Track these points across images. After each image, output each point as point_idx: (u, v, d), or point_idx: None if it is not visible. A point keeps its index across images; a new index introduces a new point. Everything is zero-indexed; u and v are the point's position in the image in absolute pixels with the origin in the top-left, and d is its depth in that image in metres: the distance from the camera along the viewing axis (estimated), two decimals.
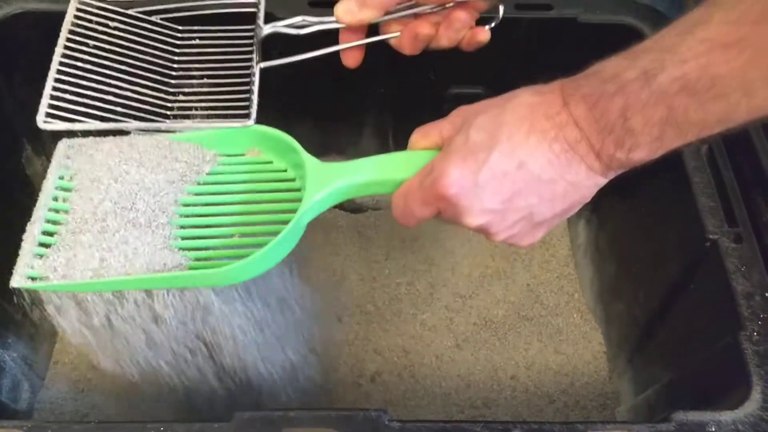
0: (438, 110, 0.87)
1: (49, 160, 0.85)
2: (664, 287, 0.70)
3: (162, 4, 0.64)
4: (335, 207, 0.78)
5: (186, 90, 0.61)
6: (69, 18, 0.61)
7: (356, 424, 0.50)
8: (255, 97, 0.57)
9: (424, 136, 0.51)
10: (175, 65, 0.62)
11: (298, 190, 0.55)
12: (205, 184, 0.56)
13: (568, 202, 0.46)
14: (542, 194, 0.45)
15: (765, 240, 0.60)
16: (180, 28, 0.64)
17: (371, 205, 0.96)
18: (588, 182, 0.45)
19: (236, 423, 0.50)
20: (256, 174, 0.57)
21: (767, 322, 0.55)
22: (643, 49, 0.41)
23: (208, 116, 0.59)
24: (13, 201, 0.79)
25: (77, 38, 0.60)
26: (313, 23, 0.58)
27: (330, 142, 0.91)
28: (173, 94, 0.60)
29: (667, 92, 0.39)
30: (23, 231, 0.80)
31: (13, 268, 0.52)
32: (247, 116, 0.56)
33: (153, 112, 0.58)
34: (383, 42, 0.79)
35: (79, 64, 0.58)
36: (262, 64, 0.58)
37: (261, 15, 0.60)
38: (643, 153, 0.42)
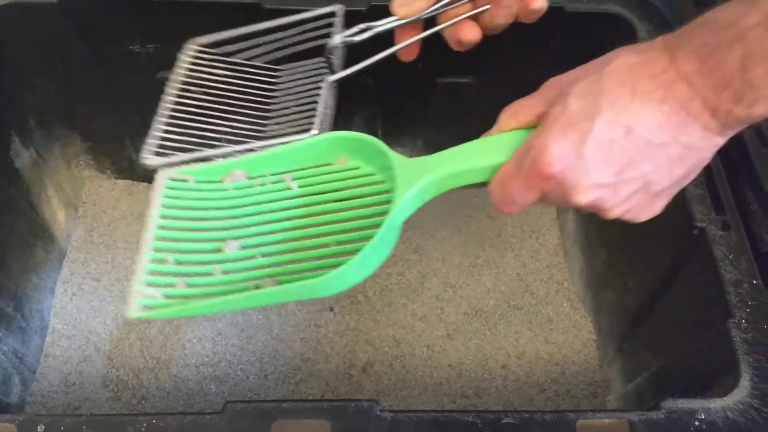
0: (427, 101, 0.87)
1: (37, 152, 0.85)
2: (653, 275, 0.71)
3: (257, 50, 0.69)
4: None
5: (273, 114, 0.65)
6: (183, 66, 0.67)
7: (348, 414, 0.51)
8: (320, 109, 0.59)
9: (513, 116, 0.46)
10: (268, 98, 0.66)
11: (389, 191, 0.52)
12: (296, 197, 0.55)
13: (686, 166, 0.42)
14: (656, 160, 0.41)
15: (753, 227, 0.60)
16: (277, 67, 0.68)
17: None
18: (704, 143, 0.41)
19: (228, 414, 0.50)
20: (345, 181, 0.55)
21: (756, 310, 0.56)
22: None
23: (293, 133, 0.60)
24: (3, 194, 0.79)
25: (187, 82, 0.66)
26: (374, 26, 0.59)
27: None
28: (265, 119, 0.64)
29: None
30: (12, 224, 0.80)
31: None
32: (307, 129, 0.58)
33: (247, 137, 0.61)
34: (370, 34, 0.79)
35: (185, 107, 0.64)
36: (331, 78, 0.60)
37: (338, 27, 0.63)
38: (766, 107, 0.38)
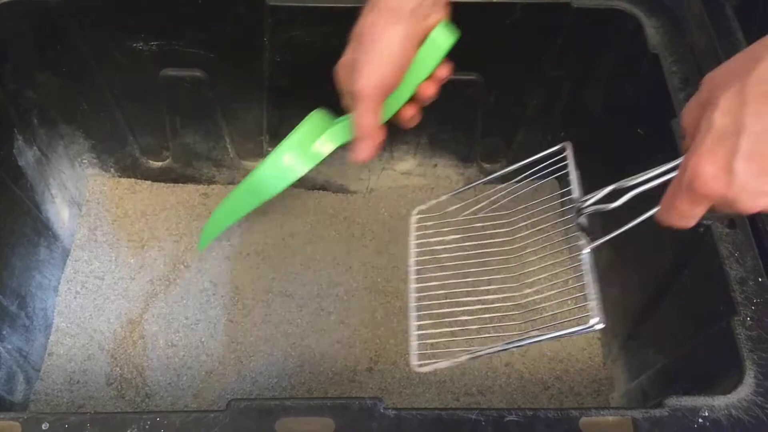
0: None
1: (41, 151, 0.86)
2: (658, 273, 0.71)
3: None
4: (320, 189, 0.93)
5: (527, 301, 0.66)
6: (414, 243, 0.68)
7: (352, 412, 0.51)
8: (591, 291, 0.54)
9: (685, 117, 0.47)
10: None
11: None
12: None
13: None
14: None
15: (758, 225, 0.60)
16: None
17: (363, 190, 0.96)
18: None
19: (232, 412, 0.50)
20: None
21: (760, 307, 0.56)
22: None
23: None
24: (7, 192, 0.79)
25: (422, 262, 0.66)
26: (626, 188, 0.53)
27: None
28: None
29: None
30: (15, 222, 0.80)
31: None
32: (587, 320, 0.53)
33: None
34: None
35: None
36: (590, 246, 0.56)
37: (576, 196, 0.59)
38: None
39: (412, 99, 0.63)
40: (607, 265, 0.82)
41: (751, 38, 0.68)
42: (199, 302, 0.86)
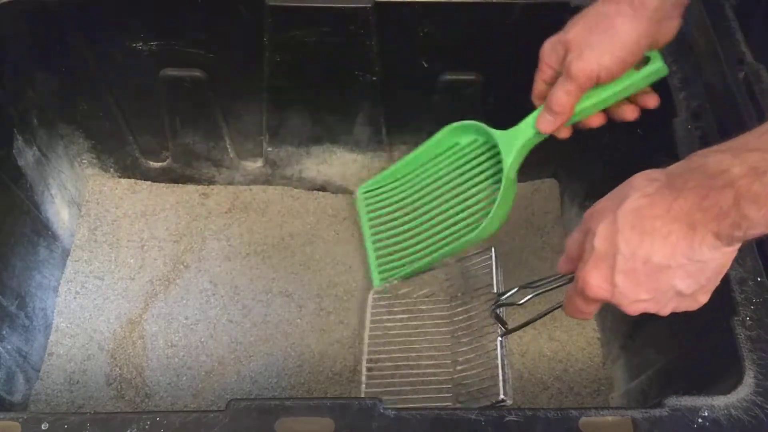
0: (430, 97, 0.87)
1: (40, 151, 0.86)
2: None
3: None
4: (320, 190, 0.96)
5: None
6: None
7: (351, 412, 0.51)
8: (500, 372, 0.68)
9: (569, 243, 0.57)
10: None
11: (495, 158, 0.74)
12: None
13: (707, 274, 0.50)
14: (679, 276, 0.49)
15: None
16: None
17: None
18: (715, 256, 0.48)
19: (232, 412, 0.50)
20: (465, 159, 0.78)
21: (760, 307, 0.56)
22: (745, 146, 0.45)
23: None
24: (6, 192, 0.79)
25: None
26: (537, 287, 0.64)
27: (323, 131, 0.91)
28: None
29: None
30: (15, 223, 0.80)
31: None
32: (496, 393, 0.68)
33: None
34: (375, 30, 0.79)
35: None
36: (501, 335, 0.69)
37: (495, 289, 0.74)
38: (760, 230, 0.45)
39: (604, 110, 0.66)
40: None
41: (751, 38, 0.68)
42: (198, 302, 0.86)
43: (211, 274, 0.88)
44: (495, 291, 0.72)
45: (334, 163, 0.95)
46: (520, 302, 0.65)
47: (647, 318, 0.73)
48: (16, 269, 0.78)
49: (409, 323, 0.80)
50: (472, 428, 0.50)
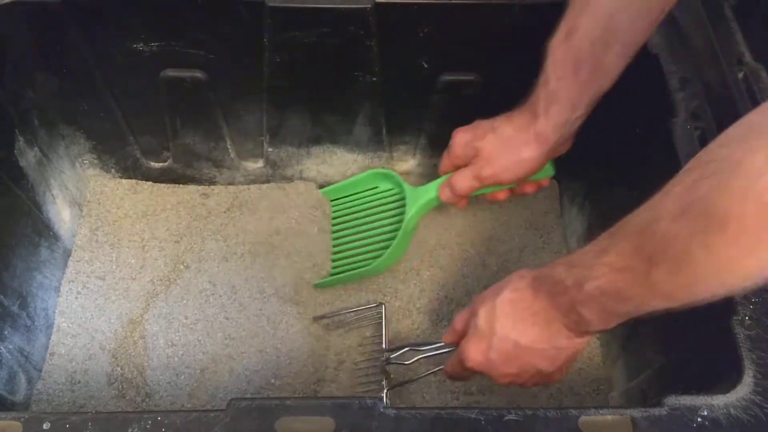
0: (430, 98, 0.87)
1: (41, 151, 0.86)
2: None
3: None
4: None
5: None
6: None
7: (352, 412, 0.51)
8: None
9: (455, 320, 0.68)
10: None
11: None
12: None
13: (563, 359, 0.61)
14: (540, 358, 0.61)
15: None
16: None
17: None
18: (570, 344, 0.60)
19: (232, 411, 0.51)
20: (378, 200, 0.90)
21: (759, 307, 0.56)
22: (573, 262, 0.55)
23: None
24: (8, 193, 0.79)
25: None
26: (421, 350, 0.73)
27: (323, 132, 0.91)
28: None
29: (592, 296, 0.53)
30: (16, 223, 0.80)
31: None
32: None
33: None
34: (375, 31, 0.79)
35: None
36: (386, 389, 0.75)
37: (384, 345, 0.79)
38: (599, 327, 0.56)
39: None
40: None
41: (751, 38, 0.68)
42: (198, 302, 0.86)
43: (210, 273, 0.88)
44: (384, 347, 0.79)
45: (335, 163, 0.95)
46: (407, 362, 0.74)
47: (646, 318, 0.73)
48: (18, 269, 0.79)
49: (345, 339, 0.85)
50: (471, 427, 0.50)
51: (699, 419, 0.50)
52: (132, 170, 0.96)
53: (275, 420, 0.50)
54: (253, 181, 0.96)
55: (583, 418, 0.50)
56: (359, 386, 0.79)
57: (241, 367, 0.81)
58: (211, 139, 0.92)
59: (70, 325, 0.84)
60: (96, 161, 0.95)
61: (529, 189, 0.78)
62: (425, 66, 0.84)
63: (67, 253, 0.90)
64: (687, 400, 0.51)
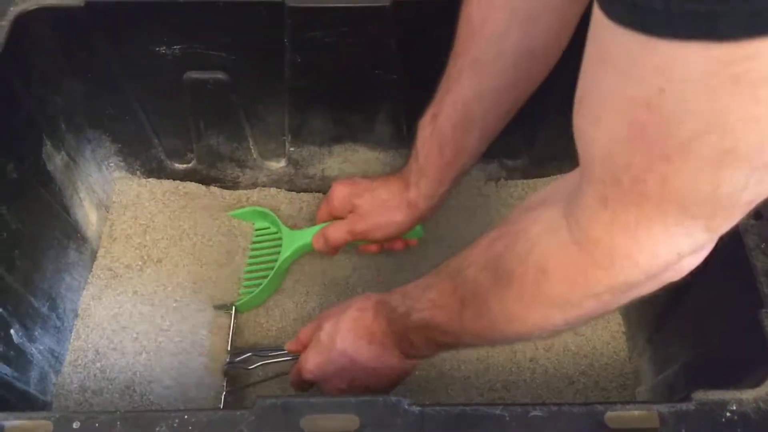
0: None
1: (68, 155, 0.87)
2: None
3: None
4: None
5: None
6: None
7: (377, 409, 0.51)
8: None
9: (302, 331, 0.74)
10: None
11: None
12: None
13: (392, 378, 0.66)
14: (372, 376, 0.65)
15: None
16: None
17: None
18: (401, 365, 0.65)
19: (258, 410, 0.51)
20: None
21: None
22: (406, 293, 0.61)
23: None
24: (37, 196, 0.80)
25: None
26: (261, 358, 0.78)
27: (344, 131, 0.92)
28: None
29: (418, 325, 0.58)
30: (45, 226, 0.81)
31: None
32: None
33: None
34: (397, 30, 0.79)
35: None
36: (224, 392, 0.79)
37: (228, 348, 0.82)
38: (427, 352, 0.62)
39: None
40: None
41: None
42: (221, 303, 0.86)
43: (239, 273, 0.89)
44: (228, 350, 0.81)
45: (357, 161, 0.96)
46: (249, 368, 0.78)
47: (673, 311, 0.73)
48: (48, 271, 0.80)
49: None
50: (496, 423, 0.50)
51: (728, 414, 0.50)
52: (157, 172, 0.97)
53: (301, 418, 0.51)
54: (276, 182, 0.97)
55: (609, 414, 0.50)
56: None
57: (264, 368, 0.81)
58: (234, 140, 0.93)
59: (90, 325, 0.85)
60: (122, 164, 0.96)
61: (398, 246, 0.84)
62: (445, 63, 0.83)
63: (95, 255, 0.91)
64: (715, 395, 0.51)
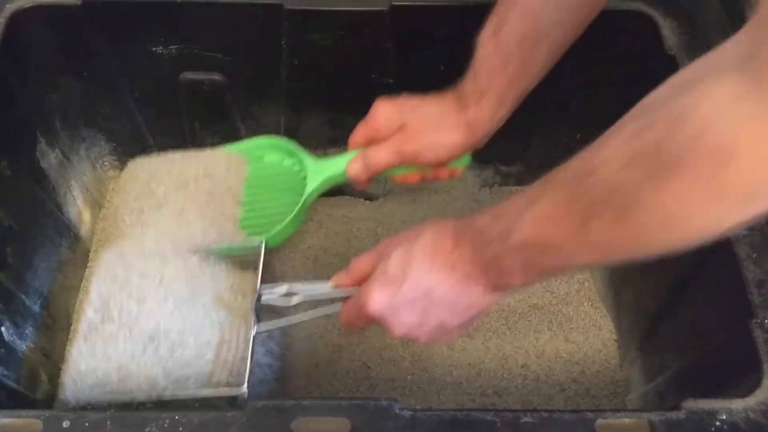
0: None
1: (63, 153, 0.87)
2: (675, 275, 0.70)
3: None
4: (352, 195, 0.96)
5: None
6: None
7: (368, 412, 0.51)
8: (248, 364, 0.65)
9: (356, 263, 0.64)
10: None
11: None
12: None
13: (470, 314, 0.58)
14: (448, 311, 0.57)
15: None
16: None
17: (383, 194, 0.96)
18: (482, 300, 0.56)
19: (249, 412, 0.51)
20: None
21: None
22: (501, 212, 0.52)
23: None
24: (30, 194, 0.80)
25: None
26: (302, 291, 0.68)
27: (340, 133, 0.92)
28: None
29: (519, 248, 0.50)
30: (38, 224, 0.81)
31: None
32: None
33: None
34: (394, 34, 0.80)
35: None
36: (255, 328, 0.68)
37: (258, 285, 0.70)
38: (518, 282, 0.53)
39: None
40: (623, 267, 0.82)
41: None
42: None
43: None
44: (258, 286, 0.70)
45: None
46: (289, 304, 0.68)
47: (664, 320, 0.73)
48: (40, 270, 0.80)
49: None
50: (488, 429, 0.50)
51: (717, 423, 0.50)
52: None
53: (291, 420, 0.51)
54: None
55: (599, 421, 0.50)
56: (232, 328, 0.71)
57: (259, 371, 0.81)
58: (229, 141, 0.93)
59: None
60: (116, 163, 0.96)
61: (443, 175, 0.74)
62: (442, 69, 0.84)
63: (88, 254, 0.91)
64: (705, 404, 0.51)
